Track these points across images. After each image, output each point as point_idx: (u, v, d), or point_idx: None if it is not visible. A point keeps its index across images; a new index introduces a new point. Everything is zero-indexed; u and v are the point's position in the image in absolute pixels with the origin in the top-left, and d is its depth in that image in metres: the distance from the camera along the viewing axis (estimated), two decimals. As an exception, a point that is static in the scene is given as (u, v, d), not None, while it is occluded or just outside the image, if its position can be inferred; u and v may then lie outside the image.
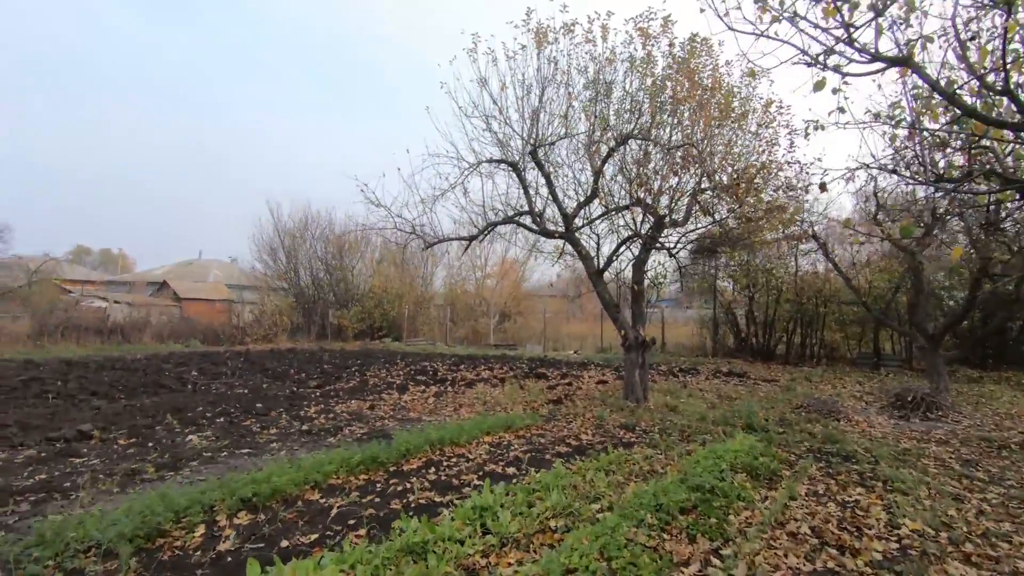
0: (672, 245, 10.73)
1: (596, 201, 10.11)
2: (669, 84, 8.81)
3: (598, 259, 10.38)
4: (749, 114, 9.40)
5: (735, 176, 9.13)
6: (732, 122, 9.13)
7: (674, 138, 9.22)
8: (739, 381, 12.99)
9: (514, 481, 5.00)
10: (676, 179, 9.42)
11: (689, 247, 11.98)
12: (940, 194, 9.13)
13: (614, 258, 10.62)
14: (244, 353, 17.01)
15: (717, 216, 10.08)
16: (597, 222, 10.64)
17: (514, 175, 10.66)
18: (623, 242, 10.49)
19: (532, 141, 9.68)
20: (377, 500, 4.53)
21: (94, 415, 7.62)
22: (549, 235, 10.48)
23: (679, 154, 8.95)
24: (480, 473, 5.35)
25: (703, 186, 9.53)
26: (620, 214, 10.54)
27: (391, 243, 28.44)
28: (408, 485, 4.91)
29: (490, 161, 10.53)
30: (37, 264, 33.37)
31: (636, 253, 10.20)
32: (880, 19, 3.34)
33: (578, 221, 10.32)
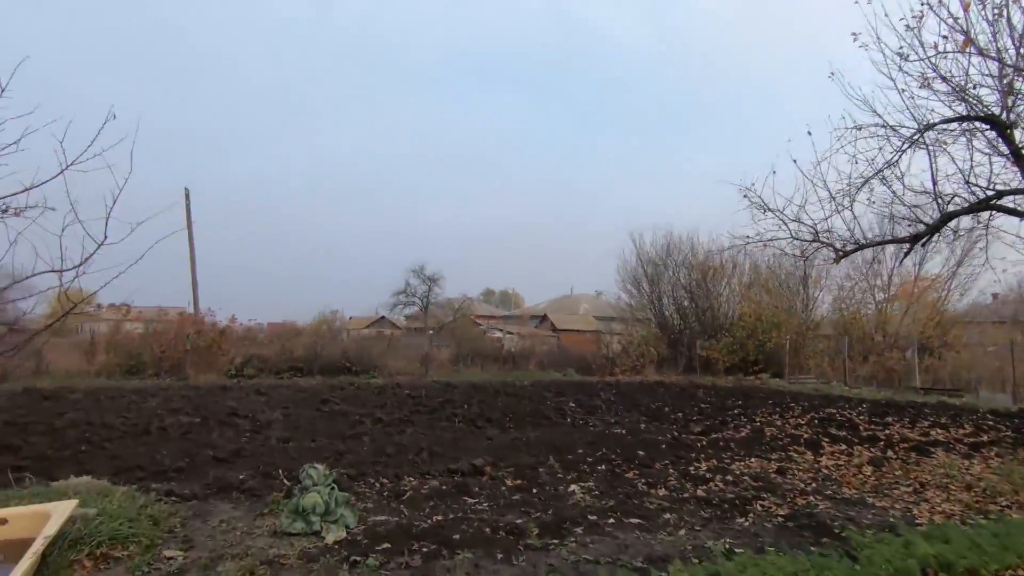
0: None
1: None
2: None
3: None
4: None
5: None
6: None
7: None
8: None
9: None
10: None
11: None
12: None
13: None
14: (615, 384, 16.74)
15: None
16: None
17: (990, 136, 7.01)
18: None
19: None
20: None
21: (487, 445, 7.67)
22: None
23: None
24: None
25: None
26: None
27: (763, 264, 25.15)
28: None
29: (947, 121, 7.15)
30: (459, 303, 42.47)
31: None
32: None
33: None
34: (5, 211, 4.45)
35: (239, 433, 8.18)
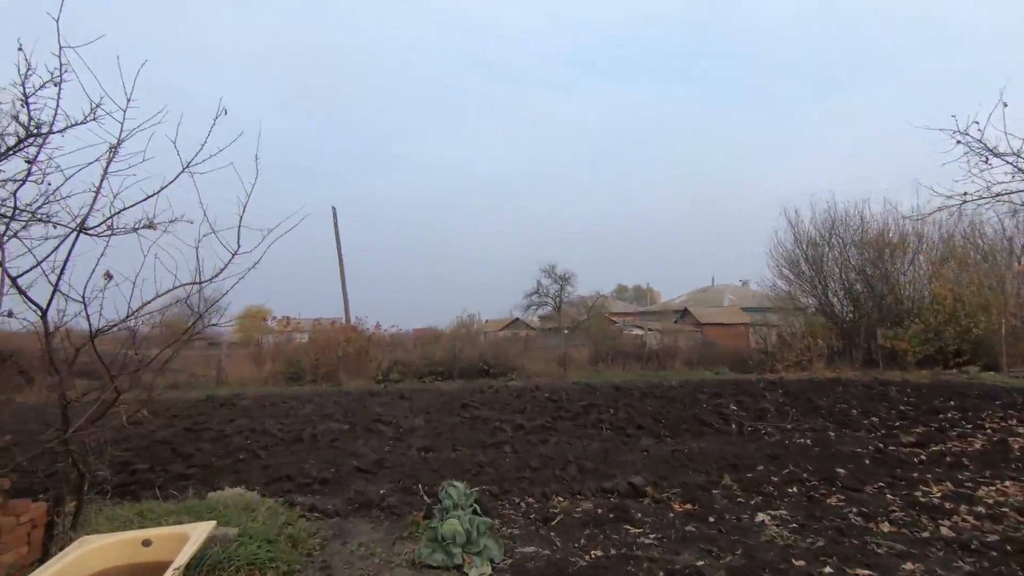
0: None
1: None
2: None
3: None
4: None
5: None
6: None
7: None
8: None
9: None
10: None
11: None
12: None
13: None
14: (780, 383, 14.65)
15: None
16: None
17: None
18: None
19: None
20: None
21: (643, 458, 6.68)
22: None
23: None
24: None
25: None
26: None
27: (958, 234, 20.82)
28: None
29: None
30: (592, 301, 41.38)
31: None
32: None
33: None
34: (149, 226, 4.43)
35: (383, 441, 8.05)
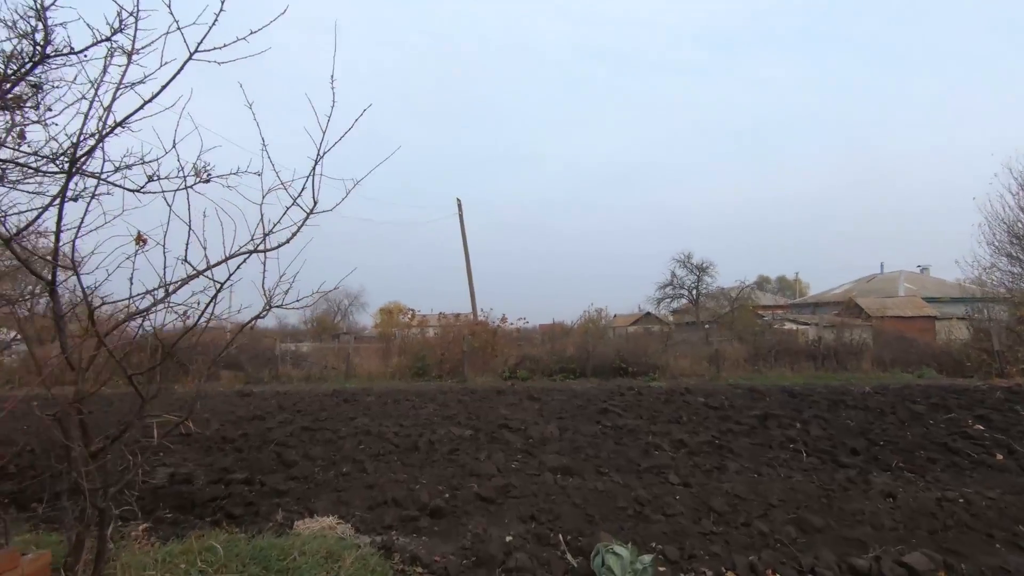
0: None
1: None
2: None
3: None
4: None
5: None
6: None
7: None
8: None
9: None
10: None
11: None
12: None
13: None
14: (1018, 391, 11.01)
15: None
16: None
17: None
18: None
19: None
20: None
21: (890, 508, 4.46)
22: None
23: None
24: None
25: None
26: None
27: None
28: None
29: None
30: (737, 292, 37.18)
31: None
32: None
33: None
34: (200, 175, 3.29)
35: (510, 454, 6.61)
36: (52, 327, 2.86)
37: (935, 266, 46.40)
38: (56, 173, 2.85)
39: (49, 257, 2.82)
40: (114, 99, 2.79)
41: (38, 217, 2.71)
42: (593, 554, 3.31)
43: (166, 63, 2.76)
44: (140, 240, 3.03)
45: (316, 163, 3.26)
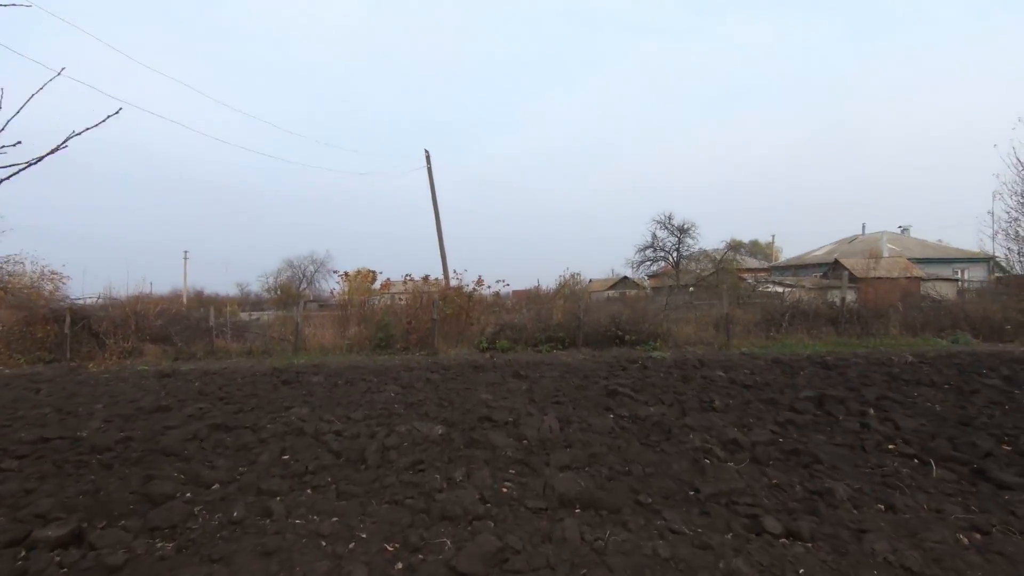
0: None
1: None
2: None
3: None
4: None
5: None
6: None
7: None
8: None
9: None
10: None
11: None
12: None
13: None
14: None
15: None
16: None
17: None
18: None
19: None
20: None
21: None
22: None
23: None
24: None
25: None
26: None
27: None
28: None
29: None
30: (721, 254, 35.62)
31: None
32: None
33: None
34: None
35: (497, 467, 4.53)
36: None
37: (915, 227, 45.91)
38: None
39: None
40: None
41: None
42: None
43: None
44: None
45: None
